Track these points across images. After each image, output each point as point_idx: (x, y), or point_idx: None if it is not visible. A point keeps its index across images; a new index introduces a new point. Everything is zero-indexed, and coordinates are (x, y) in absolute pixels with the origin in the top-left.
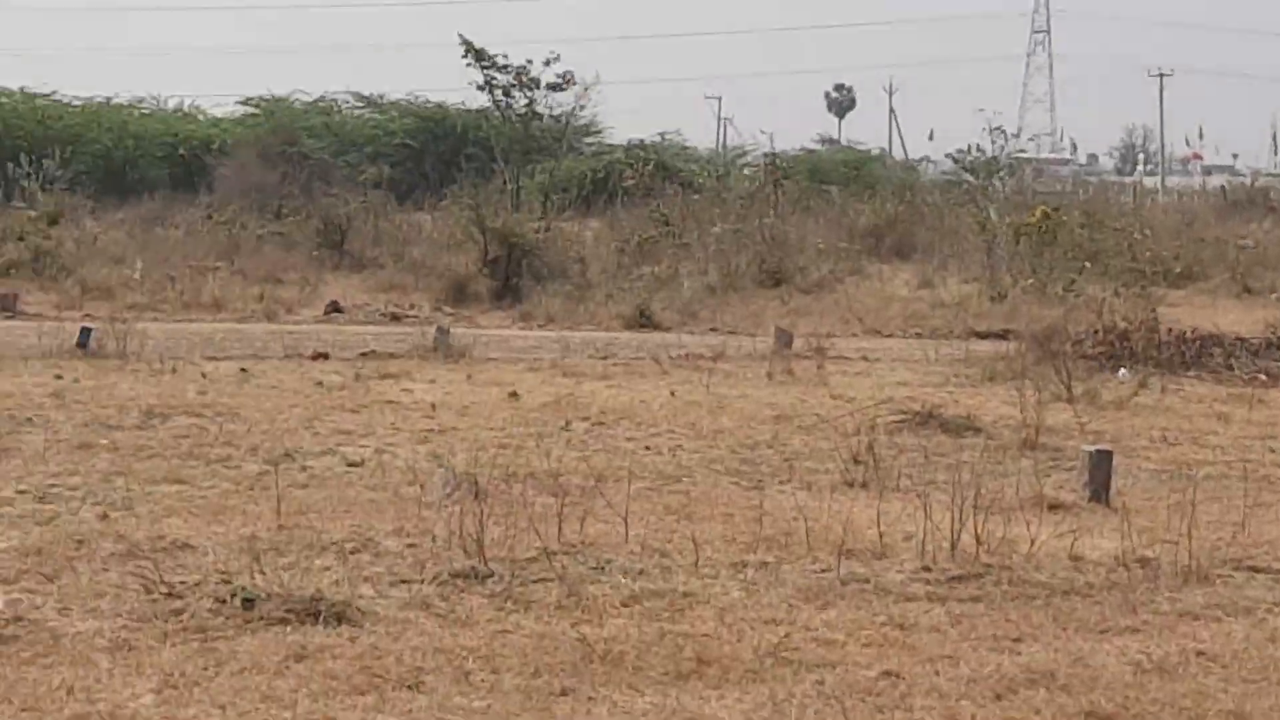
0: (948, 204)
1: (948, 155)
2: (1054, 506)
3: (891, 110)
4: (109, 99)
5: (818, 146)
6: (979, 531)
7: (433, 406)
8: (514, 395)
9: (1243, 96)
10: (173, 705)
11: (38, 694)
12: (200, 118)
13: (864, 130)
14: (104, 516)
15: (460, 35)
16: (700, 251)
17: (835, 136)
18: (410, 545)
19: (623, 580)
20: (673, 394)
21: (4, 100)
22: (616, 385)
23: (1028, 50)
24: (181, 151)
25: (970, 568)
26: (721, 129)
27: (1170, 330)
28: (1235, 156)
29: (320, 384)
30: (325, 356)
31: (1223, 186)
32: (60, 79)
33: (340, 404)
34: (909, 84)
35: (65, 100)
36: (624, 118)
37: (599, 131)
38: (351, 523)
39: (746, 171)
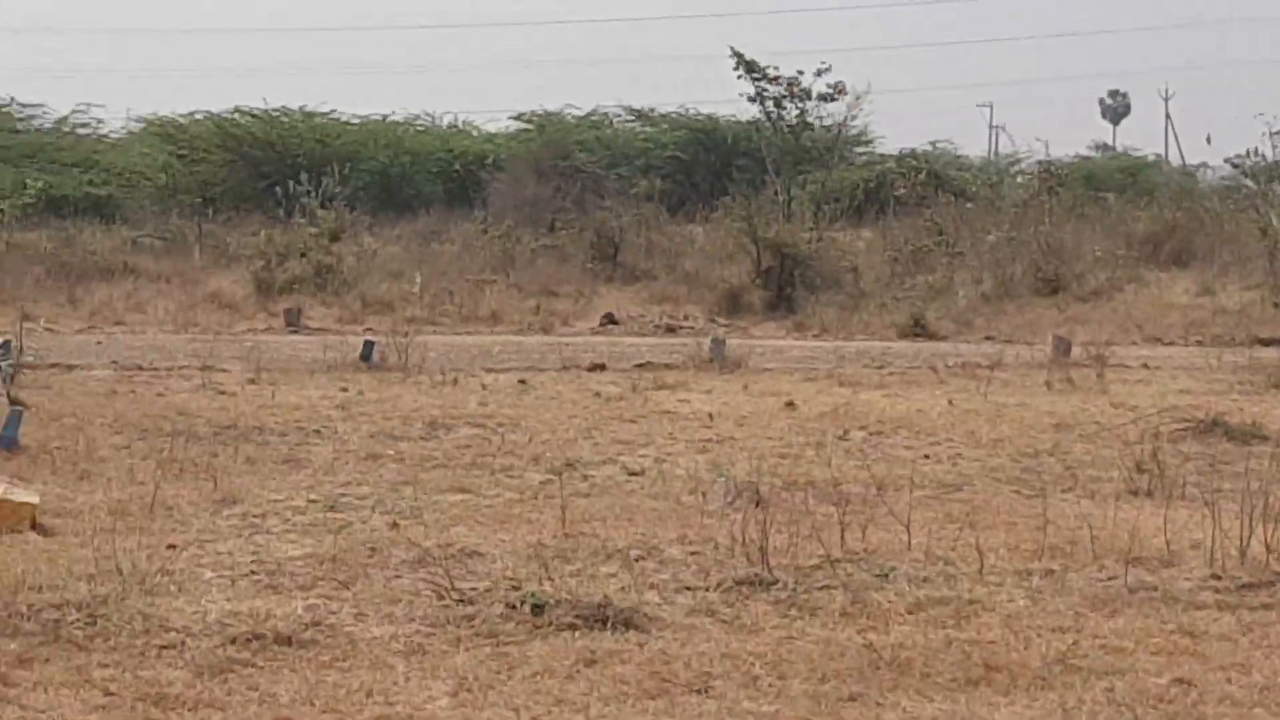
0: (1227, 210)
1: (1226, 161)
2: None
3: (1168, 116)
4: (385, 116)
5: (1092, 153)
6: (1269, 539)
7: (710, 416)
8: (790, 405)
9: None
10: (468, 708)
11: (337, 696)
12: (474, 133)
13: (1140, 136)
14: (394, 525)
15: (731, 48)
16: (974, 260)
17: (1110, 143)
18: (693, 553)
19: (907, 587)
20: (950, 403)
21: (285, 119)
22: (893, 394)
23: None
24: (456, 167)
25: (1261, 575)
26: (993, 137)
27: None
28: None
29: (598, 395)
30: (602, 368)
31: None
32: (338, 97)
33: (618, 414)
34: (1185, 89)
35: (343, 118)
36: (895, 127)
37: (870, 141)
38: (635, 531)
39: (1020, 180)
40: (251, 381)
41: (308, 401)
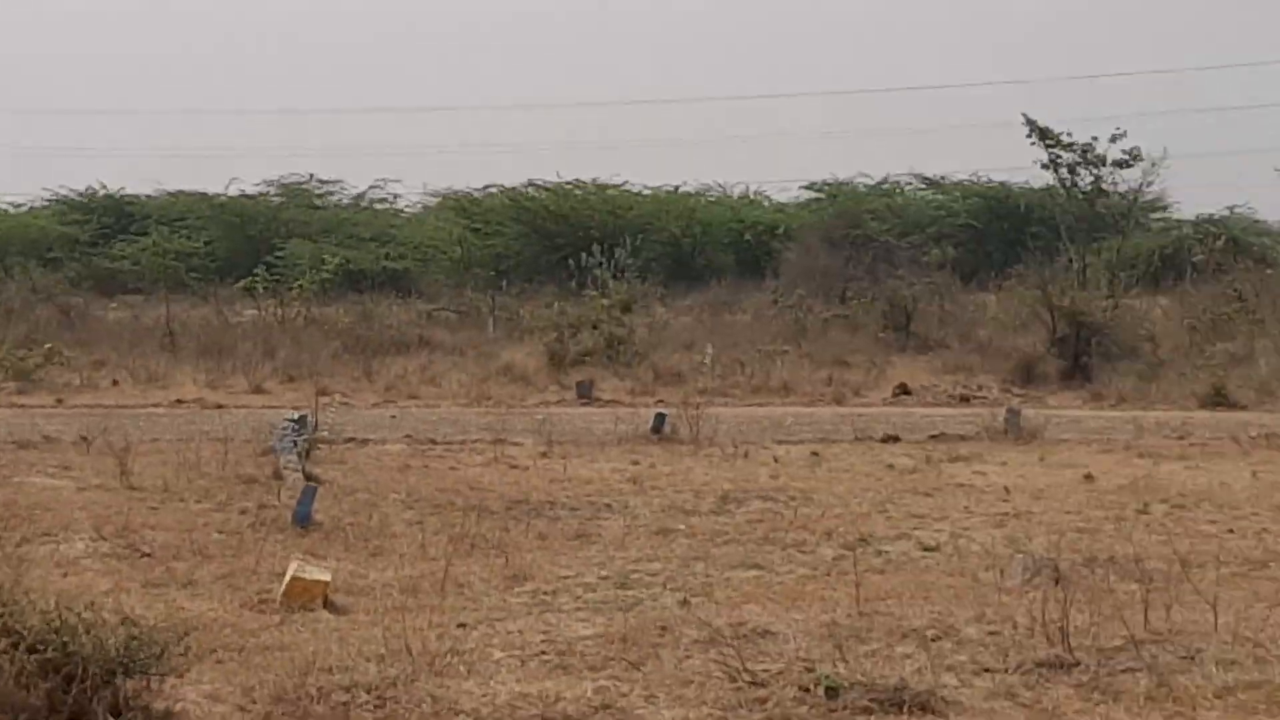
0: None
1: None
2: None
3: None
4: (676, 187)
5: None
6: None
7: (1006, 490)
8: (1089, 478)
9: None
10: None
11: None
12: (765, 203)
13: None
14: (684, 602)
15: (1024, 115)
16: (1276, 327)
17: None
18: (992, 633)
19: (1215, 670)
20: (1255, 475)
21: (577, 192)
22: (1194, 466)
23: None
24: (747, 237)
25: None
26: None
27: None
28: None
29: (891, 467)
30: (895, 439)
31: None
32: (629, 169)
33: (912, 487)
34: None
35: (635, 190)
36: (1190, 192)
37: (1165, 207)
38: (931, 609)
39: None
40: (544, 455)
41: (599, 475)
